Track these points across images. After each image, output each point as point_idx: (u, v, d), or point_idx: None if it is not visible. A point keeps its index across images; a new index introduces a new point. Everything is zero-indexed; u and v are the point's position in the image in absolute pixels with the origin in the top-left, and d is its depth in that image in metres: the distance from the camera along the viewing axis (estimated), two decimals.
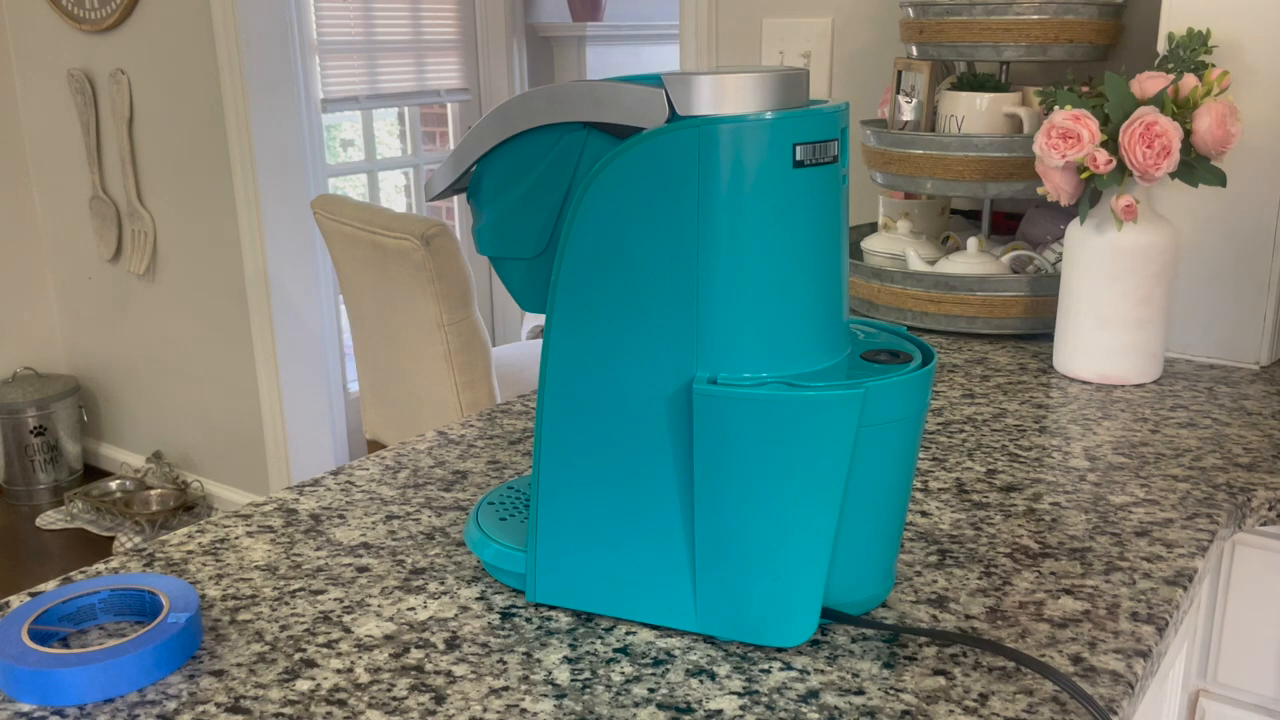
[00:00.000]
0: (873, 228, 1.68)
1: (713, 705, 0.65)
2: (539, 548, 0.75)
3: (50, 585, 0.78)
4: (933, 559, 0.83)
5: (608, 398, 0.71)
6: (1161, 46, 1.30)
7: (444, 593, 0.78)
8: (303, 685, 0.67)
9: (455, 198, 3.74)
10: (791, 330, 0.69)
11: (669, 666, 0.69)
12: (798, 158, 0.67)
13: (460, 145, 0.75)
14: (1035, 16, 1.39)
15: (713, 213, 0.66)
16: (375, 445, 2.71)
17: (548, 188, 0.73)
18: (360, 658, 0.70)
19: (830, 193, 0.69)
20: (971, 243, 1.48)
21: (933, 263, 1.50)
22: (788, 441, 0.66)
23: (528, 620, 0.75)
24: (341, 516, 0.91)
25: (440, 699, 0.66)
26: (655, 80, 0.68)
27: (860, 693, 0.67)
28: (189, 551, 0.85)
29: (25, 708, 0.65)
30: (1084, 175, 1.22)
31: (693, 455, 0.69)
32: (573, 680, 0.68)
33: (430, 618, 0.75)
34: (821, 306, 0.71)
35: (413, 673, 0.69)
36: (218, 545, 0.86)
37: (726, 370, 0.68)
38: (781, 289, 0.68)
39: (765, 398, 0.66)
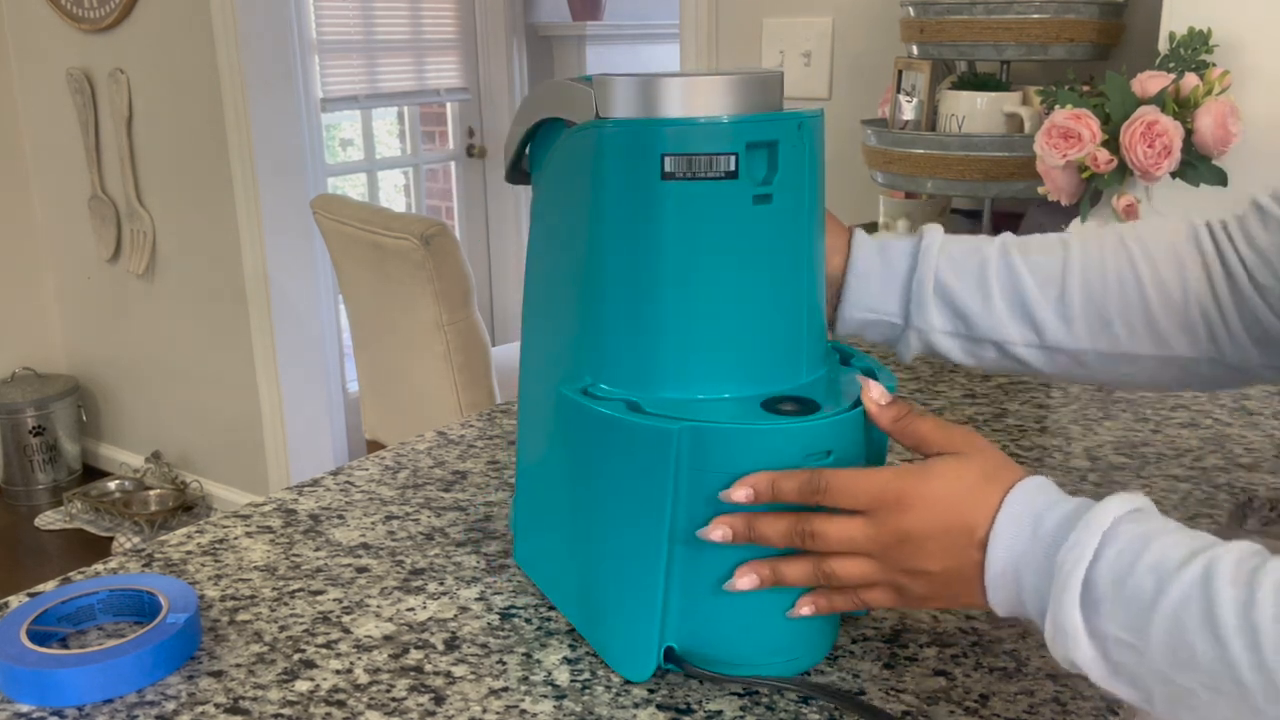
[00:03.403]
0: (873, 228, 1.68)
1: (713, 706, 0.65)
2: (517, 512, 0.80)
3: (49, 586, 0.78)
4: None
5: (540, 390, 0.73)
6: (1163, 46, 1.30)
7: (443, 593, 0.78)
8: (302, 686, 0.67)
9: (457, 196, 3.74)
10: (671, 351, 0.64)
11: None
12: (666, 169, 0.61)
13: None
14: (1036, 16, 1.39)
15: (591, 218, 0.65)
16: (375, 445, 2.71)
17: None
18: (359, 658, 0.70)
19: (717, 211, 0.62)
20: None
21: None
22: (613, 464, 0.64)
23: (527, 621, 0.75)
24: (341, 517, 0.91)
25: (440, 700, 0.66)
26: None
27: (861, 693, 0.66)
28: (188, 552, 0.85)
29: (24, 708, 0.65)
30: (1085, 175, 1.22)
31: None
32: (572, 681, 0.68)
33: (430, 618, 0.75)
34: (710, 331, 0.64)
35: (412, 673, 0.68)
36: (217, 546, 0.86)
37: (620, 384, 0.65)
38: (652, 307, 0.64)
39: (589, 411, 0.64)
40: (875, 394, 0.63)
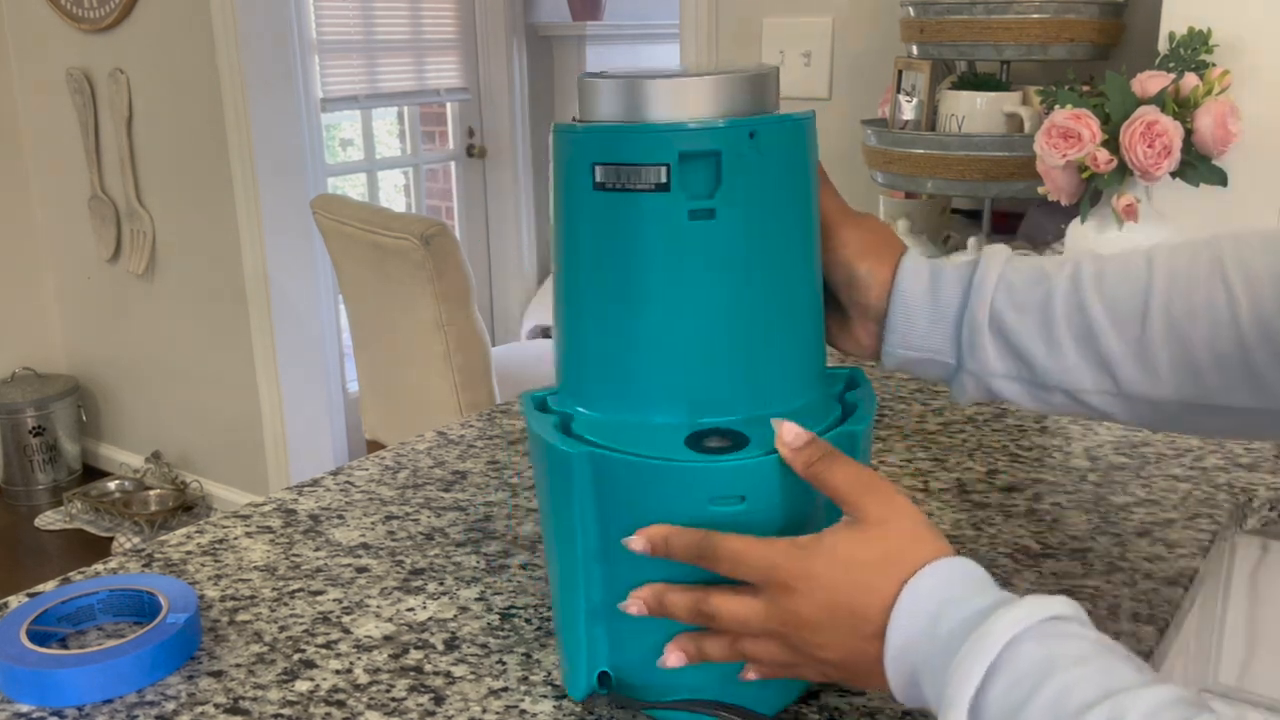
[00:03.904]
0: None
1: None
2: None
3: (49, 586, 0.78)
4: None
5: None
6: (1162, 46, 1.30)
7: (443, 593, 0.78)
8: (302, 686, 0.67)
9: (459, 192, 3.74)
10: (609, 370, 0.61)
11: None
12: (597, 179, 0.58)
13: None
14: (1036, 16, 1.39)
15: (551, 224, 0.63)
16: (375, 445, 2.71)
17: None
18: (359, 658, 0.70)
19: (649, 226, 0.58)
20: (971, 243, 1.48)
21: None
22: (542, 479, 0.63)
23: (527, 621, 0.75)
24: (340, 517, 0.91)
25: (439, 700, 0.66)
26: None
27: (861, 693, 0.66)
28: (188, 552, 0.85)
29: (24, 708, 0.65)
30: (1085, 174, 1.22)
31: None
32: None
33: (429, 618, 0.75)
34: (649, 353, 0.60)
35: (412, 673, 0.68)
36: (216, 546, 0.86)
37: (584, 400, 0.62)
38: (592, 322, 0.61)
39: (529, 422, 0.63)
40: (788, 436, 0.56)
